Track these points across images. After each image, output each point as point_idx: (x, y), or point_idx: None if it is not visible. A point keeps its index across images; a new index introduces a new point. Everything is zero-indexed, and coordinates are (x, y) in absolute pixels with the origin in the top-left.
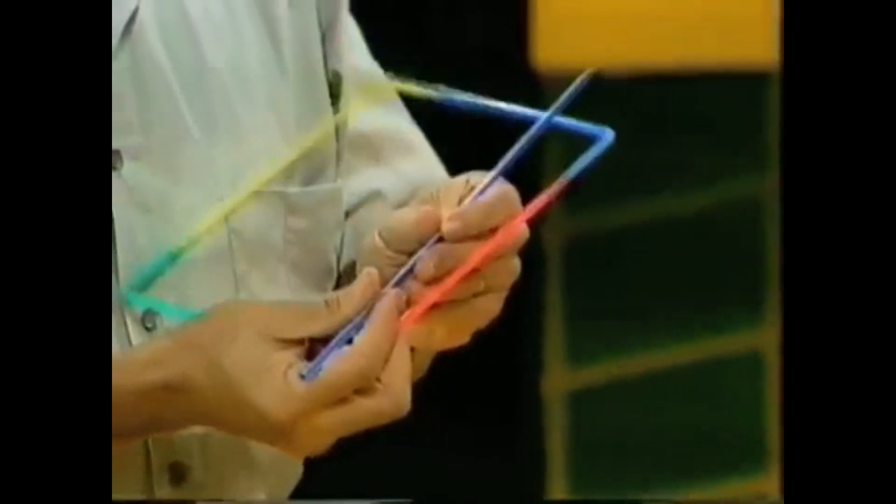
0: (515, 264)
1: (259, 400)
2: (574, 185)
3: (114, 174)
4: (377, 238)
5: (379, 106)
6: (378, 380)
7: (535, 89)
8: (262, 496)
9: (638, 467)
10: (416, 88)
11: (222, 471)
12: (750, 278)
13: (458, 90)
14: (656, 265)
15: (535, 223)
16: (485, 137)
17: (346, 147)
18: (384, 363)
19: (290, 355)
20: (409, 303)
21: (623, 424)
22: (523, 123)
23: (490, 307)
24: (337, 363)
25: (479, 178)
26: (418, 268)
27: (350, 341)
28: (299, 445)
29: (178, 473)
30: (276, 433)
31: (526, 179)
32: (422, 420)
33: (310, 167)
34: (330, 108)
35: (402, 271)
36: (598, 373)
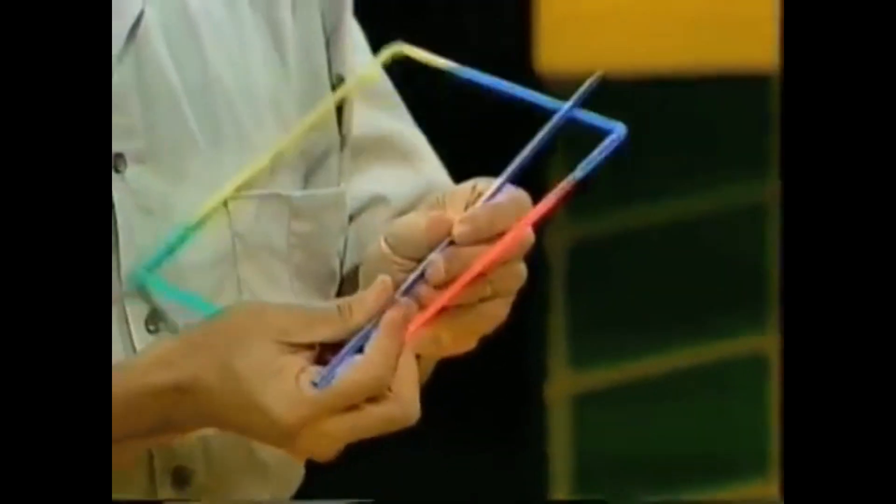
0: (521, 269)
1: (268, 402)
2: (582, 185)
3: (117, 177)
4: (383, 245)
5: (381, 110)
6: (388, 388)
7: (537, 91)
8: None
9: (641, 471)
10: (440, 60)
11: (225, 475)
12: (753, 282)
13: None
14: (659, 270)
15: (540, 225)
16: (486, 141)
17: (349, 151)
18: (395, 372)
19: (301, 359)
20: (420, 308)
21: (626, 428)
22: (531, 115)
23: (497, 312)
24: (350, 372)
25: (485, 185)
26: (429, 272)
27: (360, 350)
28: (305, 450)
29: (180, 478)
30: (283, 436)
31: (528, 182)
32: (426, 423)
33: (313, 171)
34: (333, 112)
35: (413, 277)
36: (602, 377)
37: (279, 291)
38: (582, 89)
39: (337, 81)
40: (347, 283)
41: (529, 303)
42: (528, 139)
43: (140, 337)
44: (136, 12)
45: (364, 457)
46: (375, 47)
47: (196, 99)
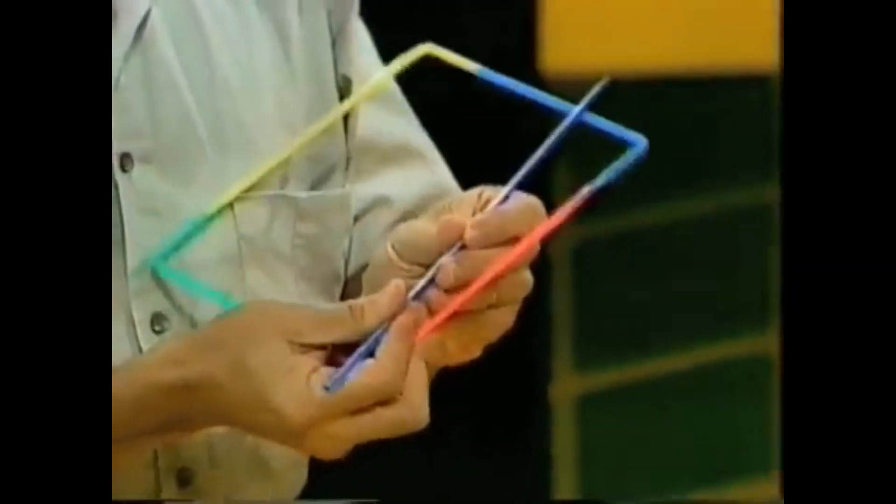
0: (528, 277)
1: (278, 401)
2: (601, 193)
3: (124, 177)
4: (390, 250)
5: (389, 113)
6: (399, 392)
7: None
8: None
9: (645, 472)
10: (455, 57)
11: (228, 477)
12: (757, 283)
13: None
14: (664, 270)
15: (553, 236)
16: (491, 144)
17: (354, 152)
18: (405, 376)
19: (313, 359)
20: (429, 312)
21: (631, 429)
22: (543, 118)
23: (503, 320)
24: (361, 375)
25: (492, 192)
26: (440, 276)
27: (371, 353)
28: (313, 450)
29: (184, 479)
30: (291, 435)
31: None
32: (431, 424)
33: (318, 172)
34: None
35: (423, 282)
36: (607, 378)
37: (284, 293)
38: (591, 94)
39: (343, 82)
40: (351, 285)
41: (534, 304)
42: (528, 143)
43: (146, 337)
44: (142, 11)
45: (369, 457)
46: (379, 47)
47: (202, 99)
